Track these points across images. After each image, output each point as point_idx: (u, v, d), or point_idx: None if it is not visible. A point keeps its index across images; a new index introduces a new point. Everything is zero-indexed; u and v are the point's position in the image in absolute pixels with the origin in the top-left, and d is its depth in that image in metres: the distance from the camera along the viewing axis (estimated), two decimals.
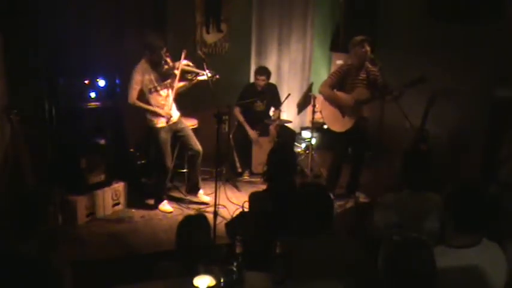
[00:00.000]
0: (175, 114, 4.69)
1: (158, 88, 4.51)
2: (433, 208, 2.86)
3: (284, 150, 3.74)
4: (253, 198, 3.30)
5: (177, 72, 4.46)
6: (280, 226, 2.67)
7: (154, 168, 4.88)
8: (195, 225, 2.57)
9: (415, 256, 1.82)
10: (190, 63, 4.56)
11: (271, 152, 3.35)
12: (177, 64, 4.47)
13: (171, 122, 4.60)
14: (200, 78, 4.55)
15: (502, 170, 3.77)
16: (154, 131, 4.56)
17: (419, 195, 2.92)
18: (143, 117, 4.58)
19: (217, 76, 4.42)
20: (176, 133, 4.72)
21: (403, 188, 2.99)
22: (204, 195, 4.98)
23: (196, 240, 2.45)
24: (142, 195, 4.95)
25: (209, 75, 4.34)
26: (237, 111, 5.62)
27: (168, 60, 4.44)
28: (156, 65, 4.43)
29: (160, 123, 4.55)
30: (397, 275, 1.83)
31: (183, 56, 4.48)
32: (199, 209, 4.76)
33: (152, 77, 4.45)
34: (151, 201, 4.82)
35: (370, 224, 3.05)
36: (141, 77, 4.40)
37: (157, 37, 4.46)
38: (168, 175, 4.78)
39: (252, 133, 5.65)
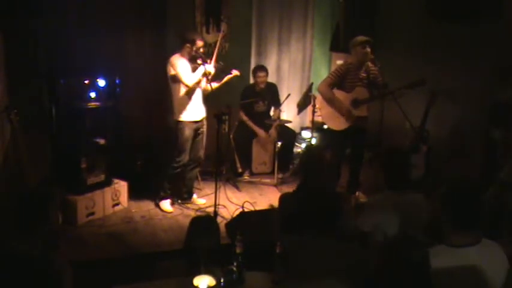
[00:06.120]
0: (202, 113, 4.64)
1: None
2: (415, 207, 2.84)
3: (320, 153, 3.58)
4: (284, 199, 3.22)
5: (213, 70, 4.43)
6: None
7: (166, 163, 4.71)
8: (206, 226, 2.57)
9: (409, 255, 1.81)
10: (221, 62, 4.57)
11: (307, 156, 3.24)
12: (209, 61, 4.43)
13: (198, 118, 4.56)
14: (229, 76, 4.60)
15: (502, 170, 3.77)
16: (180, 125, 4.49)
17: (401, 195, 2.87)
18: (169, 110, 4.53)
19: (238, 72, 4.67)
20: (196, 131, 4.63)
21: (385, 188, 2.95)
22: (198, 198, 4.91)
23: (205, 242, 2.45)
24: (143, 195, 4.94)
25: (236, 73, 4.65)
26: (240, 113, 5.64)
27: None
28: (191, 60, 4.42)
29: (184, 117, 4.48)
30: (392, 274, 1.82)
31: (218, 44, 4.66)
32: (200, 208, 4.76)
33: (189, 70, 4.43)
34: (151, 201, 4.81)
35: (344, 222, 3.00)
36: (182, 64, 4.37)
37: (197, 33, 4.64)
38: (177, 171, 4.65)
39: (260, 131, 5.66)
